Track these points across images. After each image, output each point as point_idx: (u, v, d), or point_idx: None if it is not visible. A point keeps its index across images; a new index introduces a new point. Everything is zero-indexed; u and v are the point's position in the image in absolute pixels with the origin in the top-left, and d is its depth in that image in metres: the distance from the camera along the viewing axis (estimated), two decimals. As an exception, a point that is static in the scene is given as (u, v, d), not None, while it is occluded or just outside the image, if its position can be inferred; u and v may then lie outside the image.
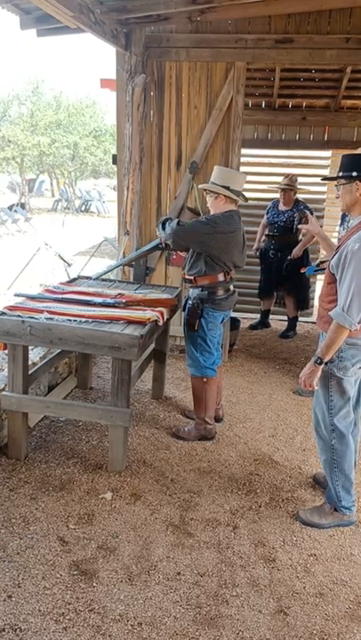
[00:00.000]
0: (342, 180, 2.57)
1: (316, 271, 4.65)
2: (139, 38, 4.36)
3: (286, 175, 5.69)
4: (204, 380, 3.51)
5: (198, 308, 3.39)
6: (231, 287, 3.49)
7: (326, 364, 2.58)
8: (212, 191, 3.32)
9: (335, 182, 2.70)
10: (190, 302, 3.45)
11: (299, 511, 2.89)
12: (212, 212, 3.40)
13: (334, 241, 4.42)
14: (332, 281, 2.61)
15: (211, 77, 4.52)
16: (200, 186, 3.53)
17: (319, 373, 2.58)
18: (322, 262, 4.30)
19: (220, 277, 3.37)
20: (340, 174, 2.59)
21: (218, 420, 3.80)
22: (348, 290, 2.42)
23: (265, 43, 4.34)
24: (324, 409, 2.72)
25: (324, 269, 4.37)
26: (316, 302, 6.73)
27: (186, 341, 3.55)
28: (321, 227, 6.39)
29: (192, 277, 3.40)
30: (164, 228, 3.46)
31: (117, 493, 2.95)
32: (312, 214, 5.49)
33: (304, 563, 2.55)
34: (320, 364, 2.55)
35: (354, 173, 2.52)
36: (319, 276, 4.53)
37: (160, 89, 4.60)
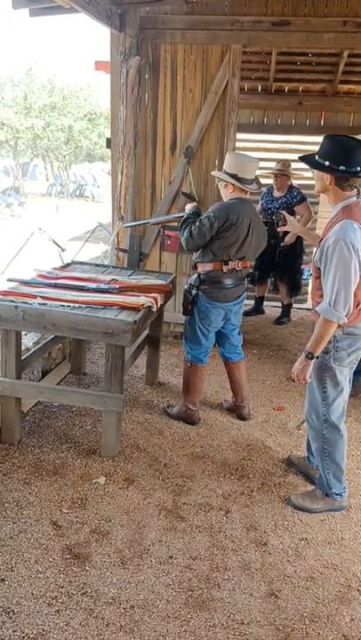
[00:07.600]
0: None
1: (311, 275, 4.65)
2: (133, 19, 4.28)
3: (279, 160, 5.65)
4: (189, 364, 3.56)
5: (190, 293, 3.41)
6: (230, 280, 3.34)
7: (322, 354, 2.58)
8: (221, 179, 3.31)
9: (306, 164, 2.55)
10: (185, 287, 3.47)
11: (291, 496, 2.91)
12: (222, 199, 3.40)
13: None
14: (319, 275, 2.57)
15: (206, 60, 4.45)
16: (213, 173, 3.50)
17: (311, 367, 2.58)
18: None
19: (215, 266, 3.30)
20: (316, 157, 2.47)
21: (242, 418, 3.74)
22: (333, 284, 2.40)
23: (261, 25, 4.27)
24: (317, 400, 2.72)
25: None
26: (310, 288, 6.74)
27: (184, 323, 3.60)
28: (316, 213, 6.35)
29: (195, 262, 3.41)
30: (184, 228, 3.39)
31: (111, 478, 2.96)
32: (306, 200, 5.48)
33: (295, 547, 2.58)
34: (311, 358, 2.55)
35: (327, 163, 2.41)
36: None
37: (155, 72, 4.54)
